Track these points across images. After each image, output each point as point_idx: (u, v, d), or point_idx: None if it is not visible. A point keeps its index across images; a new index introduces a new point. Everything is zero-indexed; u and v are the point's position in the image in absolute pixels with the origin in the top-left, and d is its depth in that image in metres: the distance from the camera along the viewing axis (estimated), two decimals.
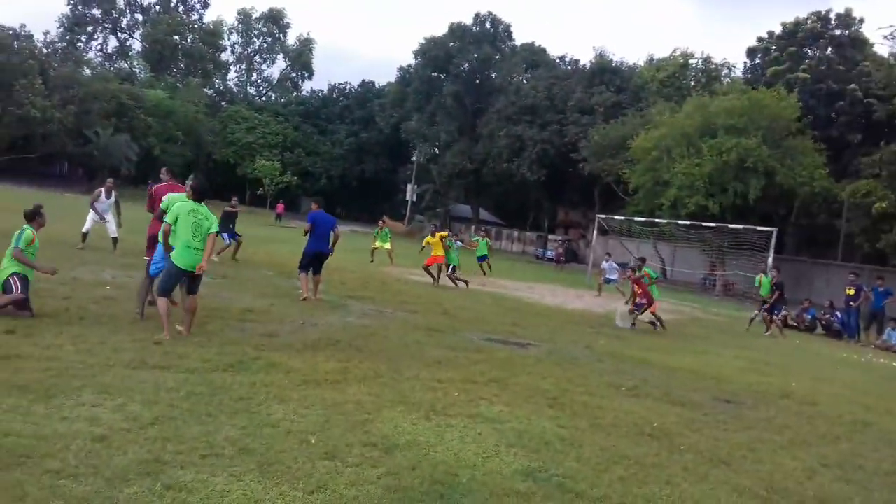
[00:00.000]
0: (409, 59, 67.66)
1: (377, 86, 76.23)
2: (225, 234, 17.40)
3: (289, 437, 5.00)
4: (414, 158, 64.58)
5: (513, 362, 8.93)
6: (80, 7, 71.70)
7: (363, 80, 78.22)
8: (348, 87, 78.77)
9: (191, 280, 7.80)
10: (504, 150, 52.45)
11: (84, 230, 15.28)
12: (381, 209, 54.94)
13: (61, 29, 70.54)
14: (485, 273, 23.64)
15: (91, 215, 15.38)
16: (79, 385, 5.53)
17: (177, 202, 8.01)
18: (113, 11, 74.47)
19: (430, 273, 18.64)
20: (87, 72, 63.34)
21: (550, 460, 5.27)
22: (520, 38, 66.03)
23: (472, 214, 66.56)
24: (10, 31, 55.36)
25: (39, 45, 59.56)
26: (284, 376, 6.58)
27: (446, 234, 19.49)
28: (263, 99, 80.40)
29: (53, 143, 53.41)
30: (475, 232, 44.75)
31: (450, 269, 18.93)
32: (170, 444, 4.58)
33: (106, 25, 75.31)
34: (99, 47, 76.11)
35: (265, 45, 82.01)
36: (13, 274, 7.74)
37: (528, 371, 8.45)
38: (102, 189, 15.67)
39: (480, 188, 61.45)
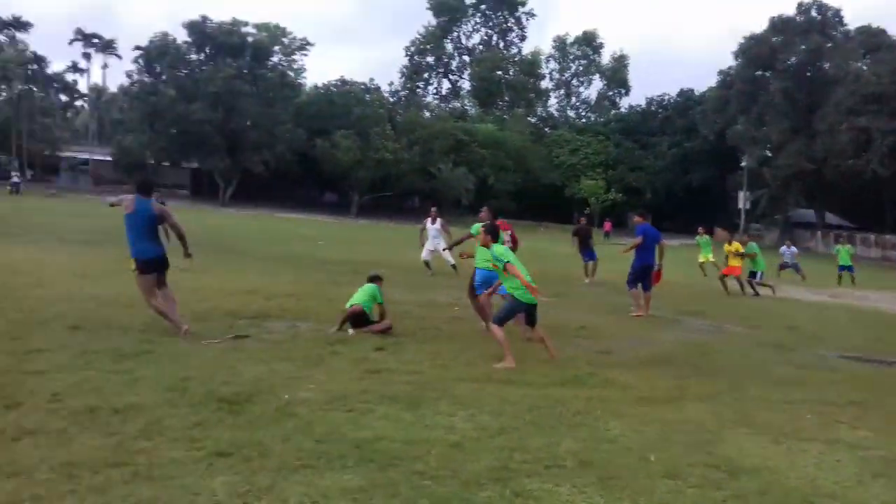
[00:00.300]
0: (727, 62, 64.03)
1: (696, 93, 73.11)
2: (584, 254, 17.88)
3: (628, 453, 5.03)
4: (743, 164, 60.59)
5: (876, 382, 7.97)
6: (416, 57, 79.91)
7: (681, 89, 75.45)
8: (666, 97, 76.70)
9: (532, 312, 8.02)
10: (848, 146, 47.07)
11: (423, 258, 16.84)
12: (713, 219, 52.42)
13: (403, 78, 79.18)
14: (839, 283, 21.43)
15: (427, 246, 16.90)
16: (436, 396, 6.13)
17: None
18: (444, 57, 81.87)
19: (723, 283, 17.42)
20: (427, 114, 70.26)
21: None
22: (852, 21, 59.13)
23: (816, 219, 60.41)
24: (363, 86, 63.72)
25: (386, 94, 67.61)
26: (620, 392, 6.64)
27: (738, 245, 17.88)
28: (583, 120, 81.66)
29: (405, 182, 60.01)
30: (833, 240, 40.55)
31: (757, 276, 17.51)
32: (516, 453, 4.87)
33: (439, 70, 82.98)
34: (434, 90, 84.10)
35: (581, 68, 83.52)
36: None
37: None
38: (428, 218, 17.22)
39: (823, 189, 55.67)
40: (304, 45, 73.09)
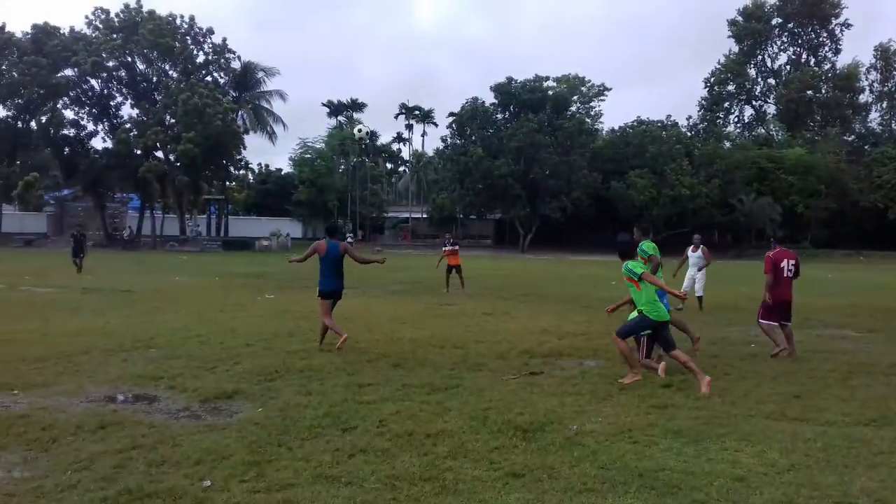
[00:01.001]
0: None
1: None
2: None
3: None
4: None
5: None
6: (716, 87, 77.01)
7: None
8: None
9: (662, 332, 8.16)
10: None
11: (688, 291, 16.27)
12: None
13: (701, 111, 76.63)
14: None
15: (689, 275, 16.30)
16: (723, 432, 6.14)
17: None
18: (746, 83, 77.91)
19: None
20: (727, 144, 67.18)
21: None
22: None
23: None
24: (659, 124, 62.99)
25: (684, 129, 66.05)
26: None
27: None
28: None
29: (702, 216, 57.84)
30: None
31: None
32: (803, 489, 4.79)
33: (740, 98, 79.03)
34: (735, 119, 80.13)
35: None
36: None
37: None
38: (690, 246, 16.64)
39: None
40: (601, 92, 74.69)
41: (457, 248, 21.11)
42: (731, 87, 77.78)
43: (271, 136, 67.79)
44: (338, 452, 5.49)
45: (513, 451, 5.61)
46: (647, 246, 9.32)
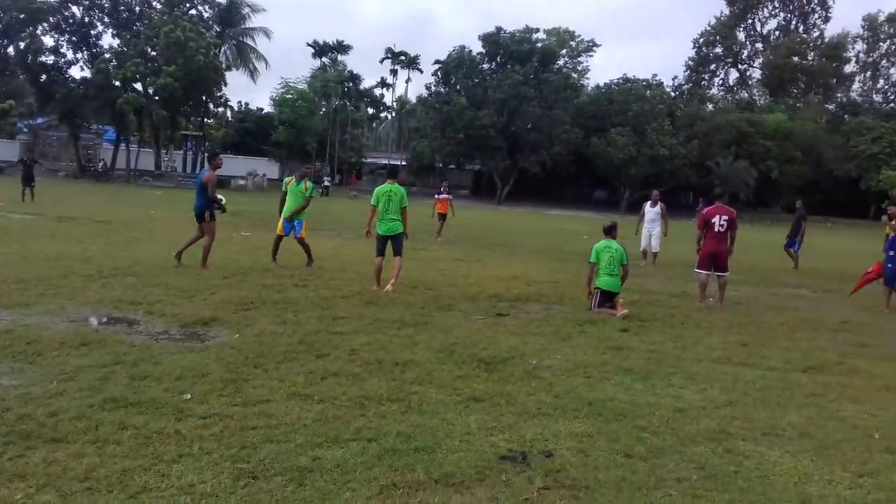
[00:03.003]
0: None
1: None
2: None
3: (853, 430, 5.16)
4: None
5: None
6: (704, 49, 76.88)
7: None
8: None
9: (392, 243, 10.52)
10: None
11: (640, 248, 16.61)
12: None
13: (687, 71, 76.64)
14: None
15: (643, 232, 16.68)
16: (670, 372, 6.62)
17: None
18: (734, 46, 77.86)
19: None
20: (710, 107, 67.52)
21: None
22: None
23: None
24: (644, 83, 63.04)
25: (668, 89, 66.27)
26: (864, 381, 6.59)
27: None
28: (891, 105, 72.72)
29: (678, 177, 58.47)
30: None
31: None
32: (737, 421, 5.27)
33: (727, 60, 79.06)
34: (720, 82, 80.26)
35: (893, 47, 74.33)
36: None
37: None
38: (648, 202, 17.03)
39: None
40: (590, 47, 74.62)
41: (450, 197, 21.45)
42: (718, 50, 77.69)
43: (253, 73, 66.47)
44: (311, 375, 5.84)
45: (475, 380, 6.01)
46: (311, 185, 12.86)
